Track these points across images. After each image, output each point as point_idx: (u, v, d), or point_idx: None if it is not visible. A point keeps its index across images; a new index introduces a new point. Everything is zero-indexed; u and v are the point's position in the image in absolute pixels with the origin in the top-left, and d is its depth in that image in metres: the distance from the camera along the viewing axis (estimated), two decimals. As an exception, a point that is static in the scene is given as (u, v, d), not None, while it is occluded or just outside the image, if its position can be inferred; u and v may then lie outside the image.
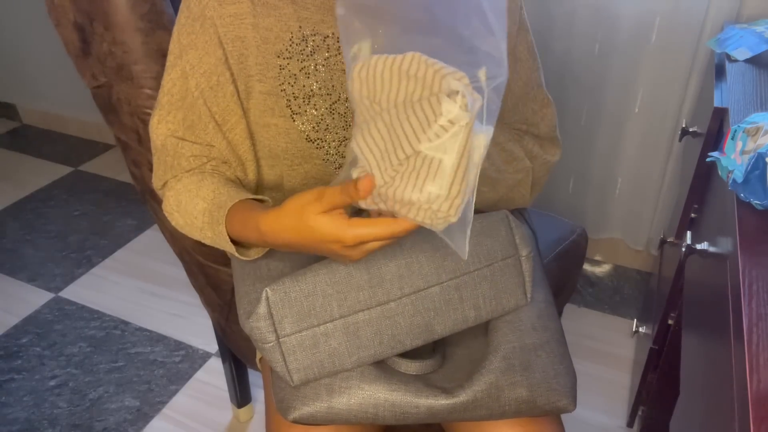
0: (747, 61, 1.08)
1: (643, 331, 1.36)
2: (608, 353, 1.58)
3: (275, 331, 0.67)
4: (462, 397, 0.69)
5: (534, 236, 0.95)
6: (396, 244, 0.70)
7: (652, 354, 1.20)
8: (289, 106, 0.77)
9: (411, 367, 0.73)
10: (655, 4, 1.43)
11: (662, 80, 1.51)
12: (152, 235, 2.08)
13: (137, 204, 2.24)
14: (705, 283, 0.80)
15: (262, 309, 0.67)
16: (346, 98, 0.77)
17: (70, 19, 0.90)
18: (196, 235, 0.77)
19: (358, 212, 0.62)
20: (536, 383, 0.71)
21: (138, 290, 1.85)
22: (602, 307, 1.73)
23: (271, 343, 0.67)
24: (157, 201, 1.02)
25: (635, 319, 1.58)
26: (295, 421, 0.70)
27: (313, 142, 0.79)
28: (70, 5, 0.89)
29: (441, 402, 0.69)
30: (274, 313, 0.67)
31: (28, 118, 2.85)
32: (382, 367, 0.72)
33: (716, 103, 0.96)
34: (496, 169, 0.78)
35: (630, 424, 1.39)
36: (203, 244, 1.02)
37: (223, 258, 1.04)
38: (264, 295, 0.67)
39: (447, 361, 0.77)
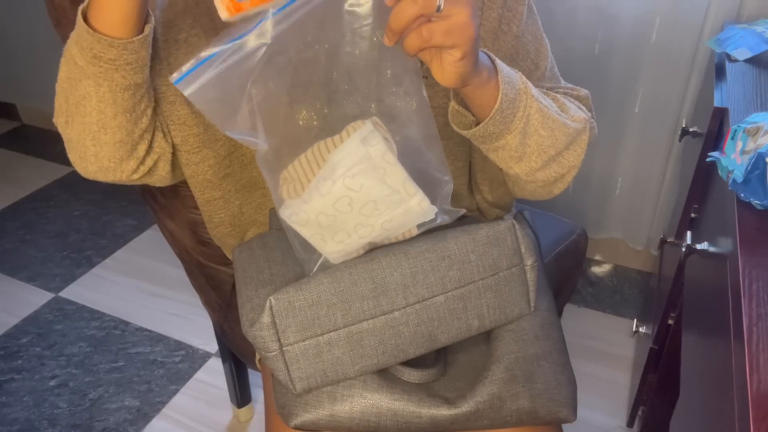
0: (747, 61, 1.08)
1: (643, 331, 1.36)
2: (608, 353, 1.58)
3: (279, 340, 0.67)
4: (464, 407, 0.69)
5: (536, 240, 0.95)
6: (401, 253, 0.69)
7: (652, 354, 1.20)
8: None
9: (413, 375, 0.73)
10: (655, 4, 1.43)
11: (662, 80, 1.51)
12: (152, 235, 2.08)
13: (137, 204, 2.24)
14: (705, 283, 0.80)
15: (265, 318, 0.66)
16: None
17: (70, 19, 0.90)
18: (68, 64, 0.71)
19: None
20: (538, 394, 0.71)
21: (138, 290, 1.85)
22: (602, 307, 1.73)
23: (275, 352, 0.67)
24: (157, 201, 1.02)
25: (635, 319, 1.58)
26: (297, 428, 0.70)
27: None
28: (70, 5, 0.89)
29: (443, 412, 0.69)
30: (278, 322, 0.66)
31: (28, 118, 2.85)
32: (384, 376, 0.72)
33: (716, 103, 0.96)
34: (556, 111, 0.72)
35: (630, 424, 1.39)
36: (203, 244, 1.02)
37: (223, 258, 1.04)
38: (268, 304, 0.66)
39: (449, 368, 0.76)
